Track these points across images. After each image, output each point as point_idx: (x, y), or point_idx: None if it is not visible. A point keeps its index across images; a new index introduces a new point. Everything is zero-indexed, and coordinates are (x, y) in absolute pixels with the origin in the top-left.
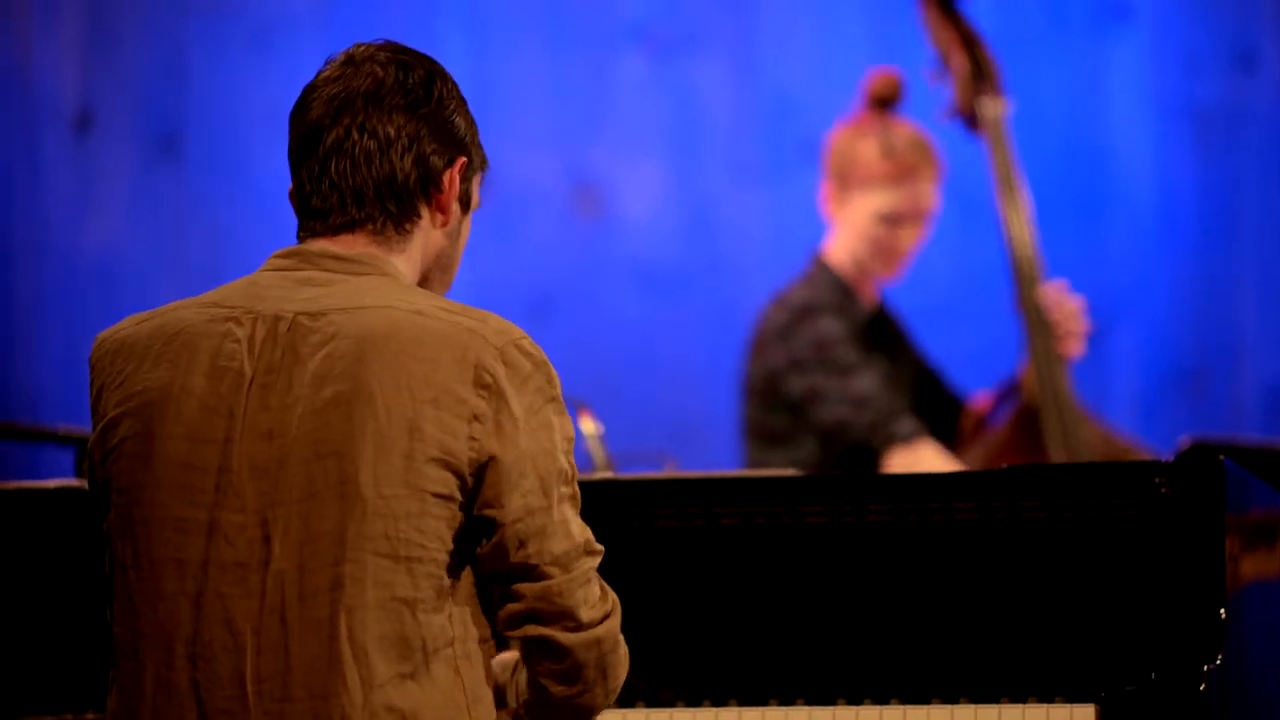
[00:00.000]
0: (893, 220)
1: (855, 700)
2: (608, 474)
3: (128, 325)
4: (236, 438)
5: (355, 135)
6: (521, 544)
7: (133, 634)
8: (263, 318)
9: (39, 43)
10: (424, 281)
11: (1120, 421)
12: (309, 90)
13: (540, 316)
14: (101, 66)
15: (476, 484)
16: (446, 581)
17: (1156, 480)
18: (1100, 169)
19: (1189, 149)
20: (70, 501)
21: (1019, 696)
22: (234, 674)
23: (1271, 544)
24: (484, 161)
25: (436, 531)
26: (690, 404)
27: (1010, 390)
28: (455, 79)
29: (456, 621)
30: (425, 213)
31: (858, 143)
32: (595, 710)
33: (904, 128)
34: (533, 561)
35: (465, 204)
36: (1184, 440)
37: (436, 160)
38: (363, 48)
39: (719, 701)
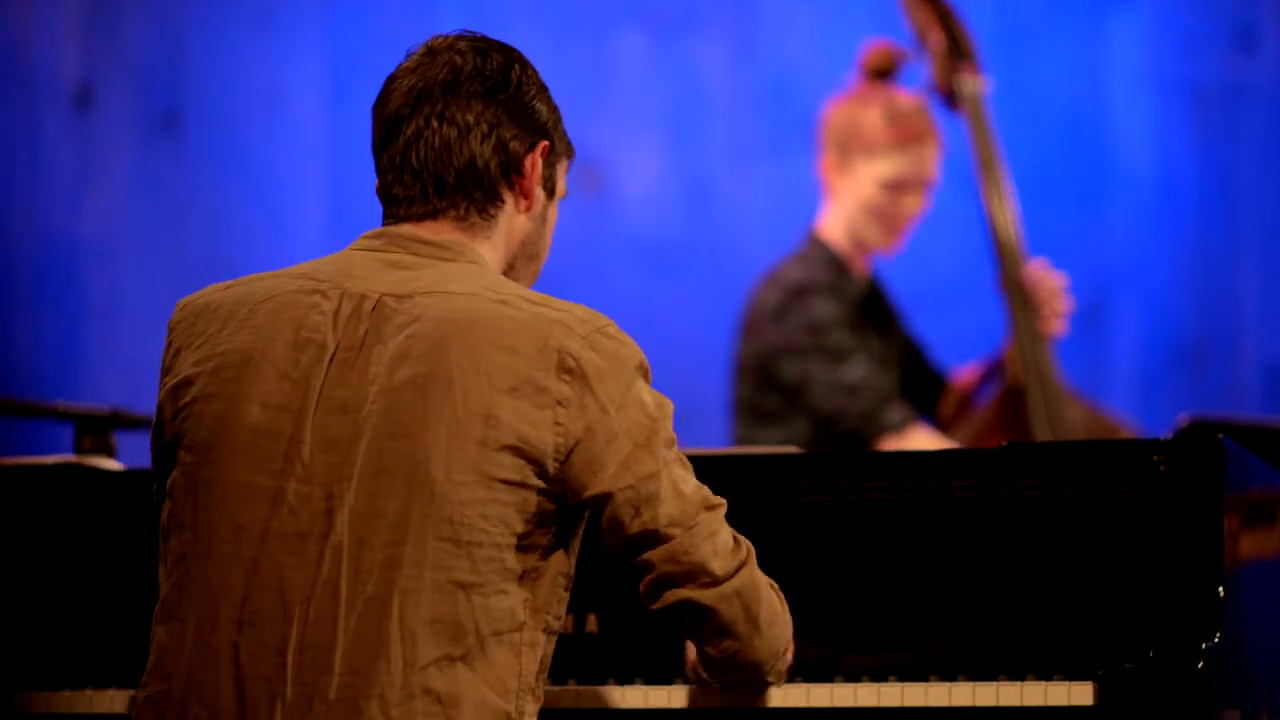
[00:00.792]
0: (897, 187)
1: (853, 678)
2: None
3: (213, 290)
4: (311, 409)
5: (435, 124)
6: (636, 512)
7: (179, 593)
8: (349, 294)
9: (39, 20)
10: (510, 269)
11: (1119, 400)
12: (389, 82)
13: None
14: (101, 45)
15: (567, 468)
16: (514, 565)
17: (1155, 458)
18: (1099, 148)
19: (1188, 128)
20: (69, 477)
21: (1017, 674)
22: (278, 642)
23: (1270, 522)
24: (569, 149)
25: (502, 517)
26: (691, 381)
27: (994, 370)
28: None
29: (528, 607)
30: (509, 198)
31: (860, 111)
32: (764, 664)
33: (906, 96)
34: (650, 527)
35: (550, 190)
36: (1183, 418)
37: (517, 145)
38: (441, 39)
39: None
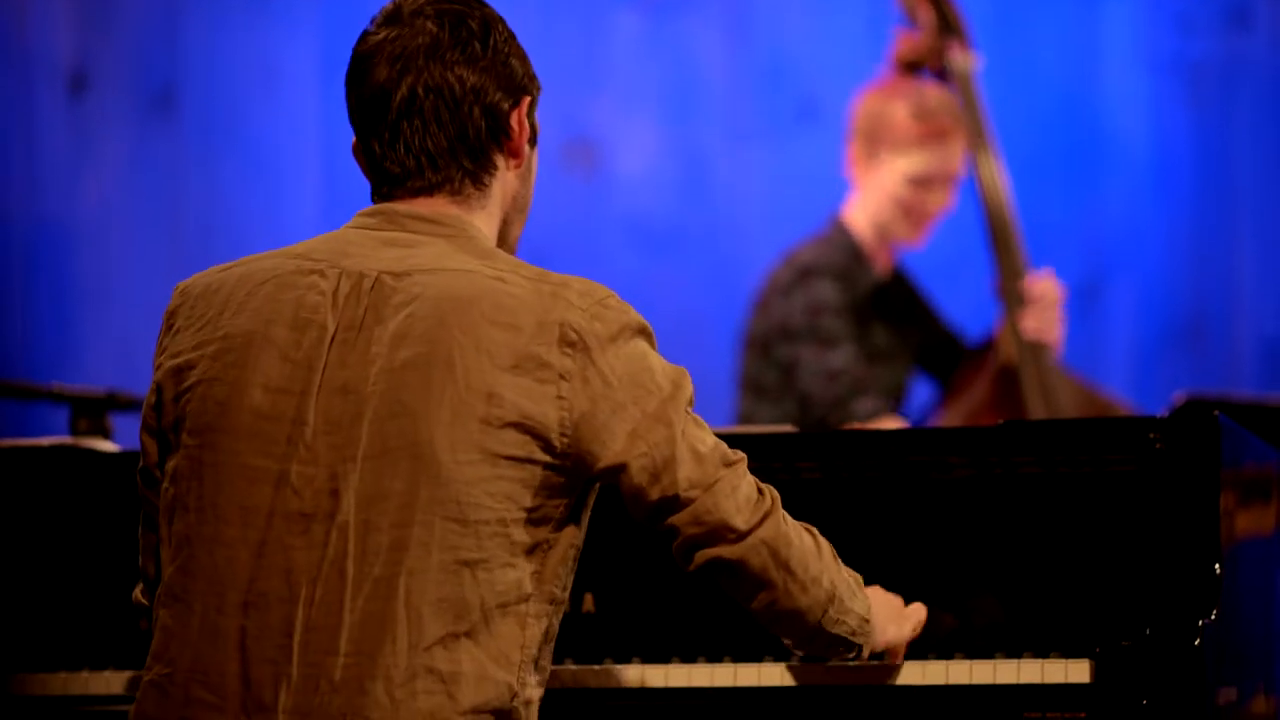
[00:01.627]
0: (922, 183)
1: None
2: None
3: (212, 273)
4: (314, 391)
5: (421, 95)
6: (655, 479)
7: (184, 576)
8: (347, 273)
9: (34, 2)
10: (504, 226)
11: (1116, 378)
12: (364, 54)
13: None
14: (96, 26)
15: (575, 441)
16: (523, 538)
17: (1152, 436)
18: (1095, 126)
19: (1183, 105)
20: (65, 459)
21: (1014, 652)
22: (284, 624)
23: (1266, 499)
24: (539, 87)
25: (508, 493)
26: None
27: (987, 348)
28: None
29: (535, 579)
30: (500, 161)
31: (888, 104)
32: (806, 610)
33: (934, 90)
34: (671, 492)
35: (533, 140)
36: (1179, 395)
37: (504, 105)
38: (408, 2)
39: (713, 658)
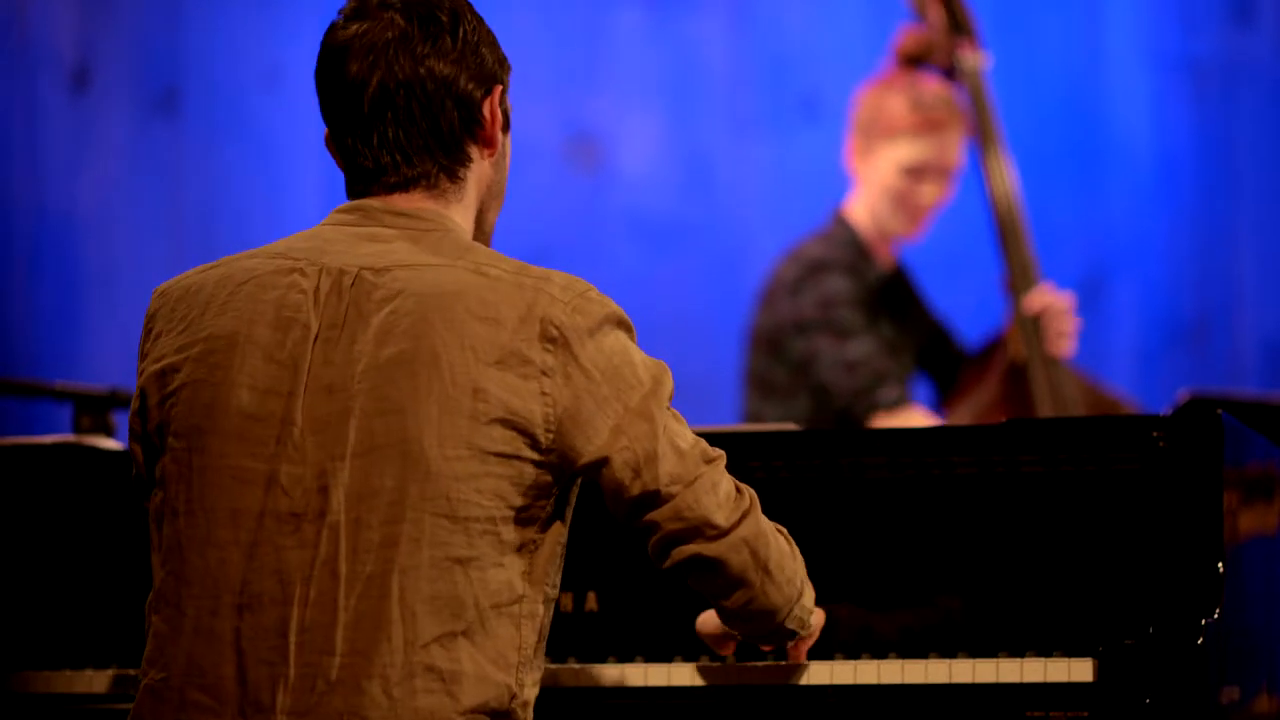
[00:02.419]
0: (916, 173)
1: (853, 655)
2: None
3: (192, 274)
4: (300, 391)
5: (394, 90)
6: (636, 474)
7: (177, 580)
8: (327, 270)
9: None
10: (480, 214)
11: (1119, 377)
12: (333, 47)
13: None
14: (99, 22)
15: (559, 436)
16: (511, 537)
17: (1155, 434)
18: (1097, 124)
19: (1186, 103)
20: (68, 457)
21: (1017, 650)
22: (279, 624)
23: (1269, 498)
24: (509, 69)
25: (497, 490)
26: (688, 358)
27: (996, 345)
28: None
29: (526, 579)
30: (474, 152)
31: (885, 97)
32: (780, 609)
33: (932, 83)
34: (652, 487)
35: (506, 126)
36: (1182, 394)
37: (476, 95)
38: None
39: (715, 657)
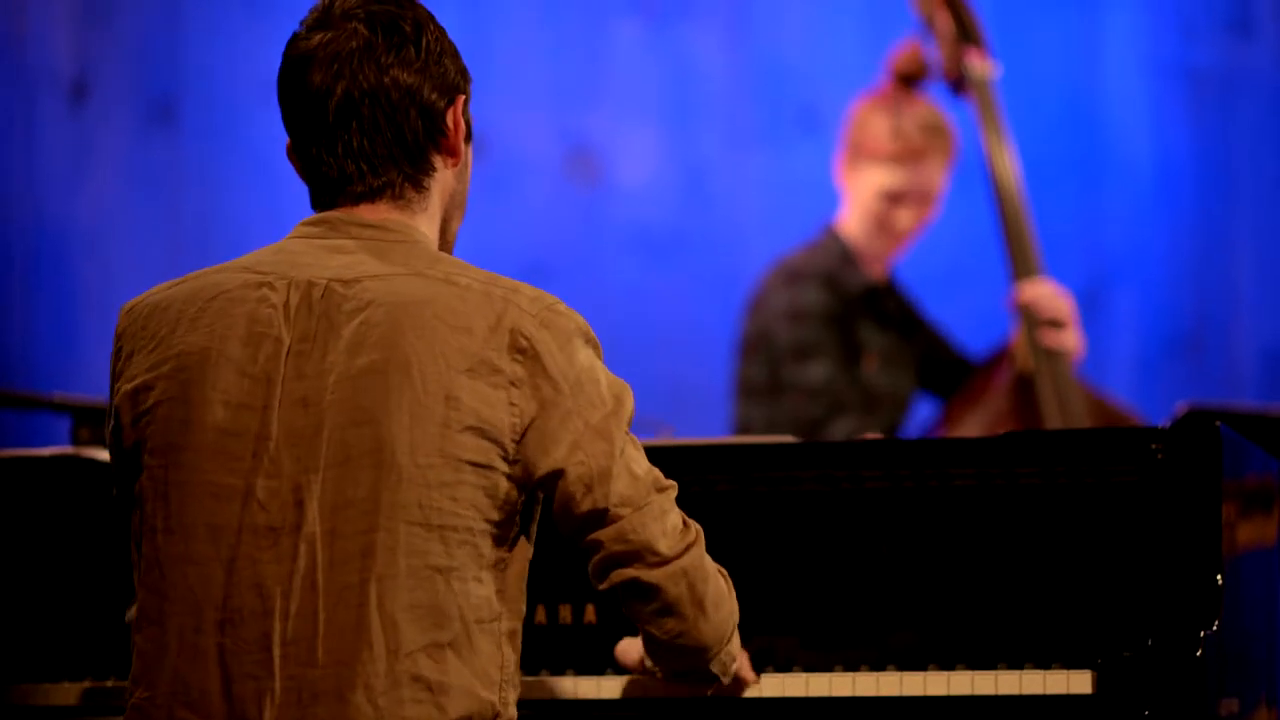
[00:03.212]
0: (894, 199)
1: (852, 667)
2: None
3: (159, 291)
4: (275, 405)
5: (358, 99)
6: (588, 489)
7: (158, 597)
8: (296, 283)
9: (34, 9)
10: (444, 223)
11: (1118, 387)
12: (296, 57)
13: (534, 282)
14: (97, 34)
15: (523, 447)
16: (488, 553)
17: (1153, 446)
18: (1096, 134)
19: (1185, 113)
20: (66, 469)
21: (1016, 663)
22: (261, 638)
23: (1268, 510)
24: (470, 79)
25: (472, 500)
26: (686, 370)
27: (1003, 356)
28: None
29: (501, 598)
30: (438, 161)
31: (872, 117)
32: (709, 647)
33: (919, 108)
34: (601, 505)
35: (468, 135)
36: (1181, 406)
37: (439, 105)
38: (336, 2)
39: None
